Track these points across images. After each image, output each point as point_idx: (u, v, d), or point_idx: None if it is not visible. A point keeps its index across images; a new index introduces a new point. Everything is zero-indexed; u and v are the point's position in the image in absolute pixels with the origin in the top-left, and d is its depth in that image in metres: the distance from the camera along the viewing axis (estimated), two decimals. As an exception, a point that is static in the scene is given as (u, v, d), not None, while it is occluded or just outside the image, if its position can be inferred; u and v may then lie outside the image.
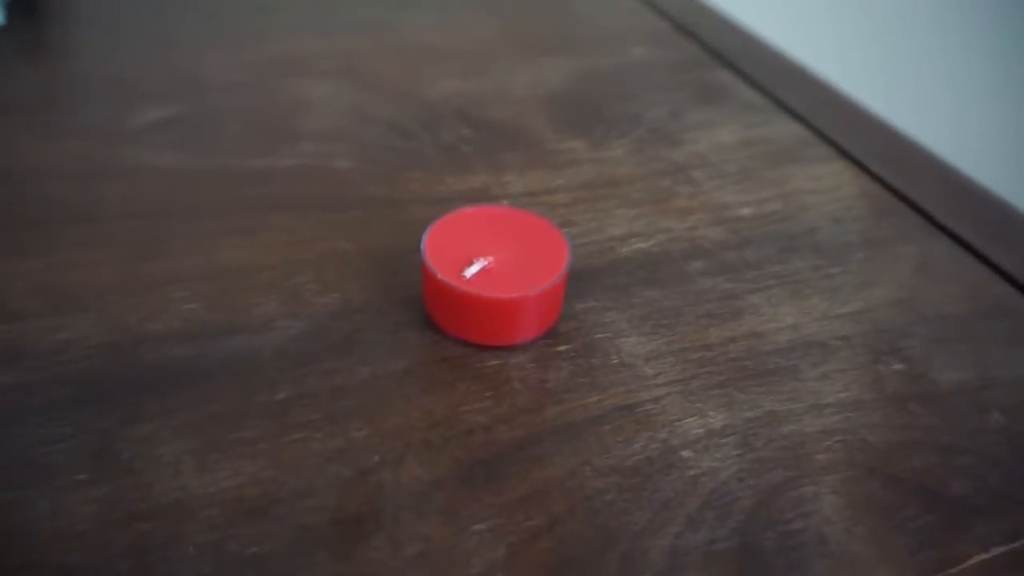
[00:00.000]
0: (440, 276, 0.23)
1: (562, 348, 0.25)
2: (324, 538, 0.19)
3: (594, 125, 0.37)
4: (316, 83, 0.37)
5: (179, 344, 0.23)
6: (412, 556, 0.19)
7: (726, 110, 0.39)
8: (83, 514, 0.19)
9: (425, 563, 0.19)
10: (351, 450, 0.21)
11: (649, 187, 0.33)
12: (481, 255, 0.24)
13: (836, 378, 0.25)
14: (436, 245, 0.24)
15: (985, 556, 0.20)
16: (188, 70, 0.37)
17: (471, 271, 0.24)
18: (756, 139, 0.37)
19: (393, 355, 0.24)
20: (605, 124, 0.37)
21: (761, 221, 0.31)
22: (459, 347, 0.24)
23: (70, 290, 0.25)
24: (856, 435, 0.23)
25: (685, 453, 0.22)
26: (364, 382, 0.23)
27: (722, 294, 0.27)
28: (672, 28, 0.47)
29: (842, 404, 0.24)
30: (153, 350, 0.23)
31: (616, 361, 0.24)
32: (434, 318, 0.25)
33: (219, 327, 0.24)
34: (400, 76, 0.39)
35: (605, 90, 0.40)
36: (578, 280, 0.27)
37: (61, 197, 0.29)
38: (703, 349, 0.25)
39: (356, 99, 0.37)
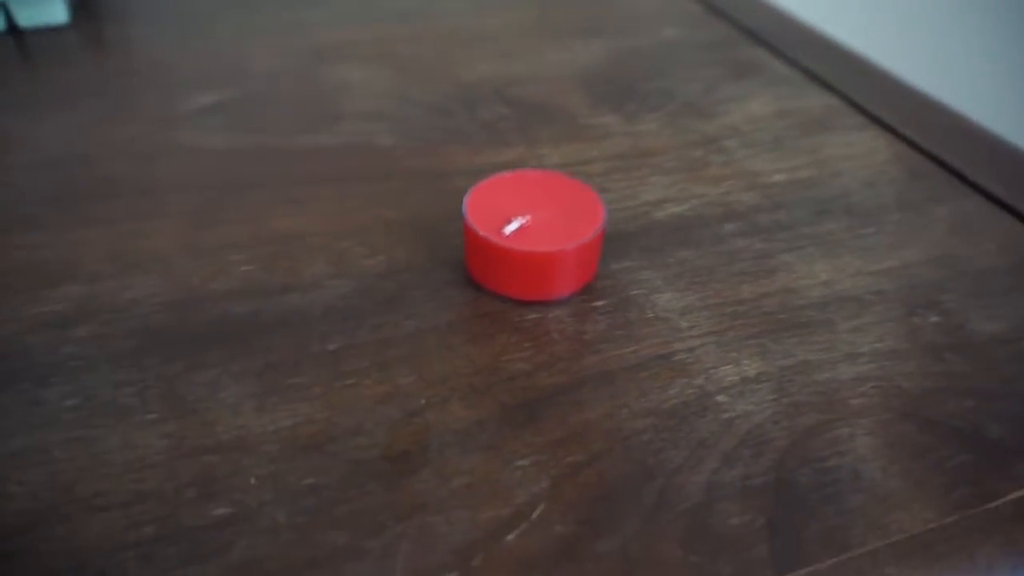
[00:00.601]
0: (481, 232, 0.24)
1: (599, 303, 0.26)
2: (375, 471, 0.20)
3: (627, 100, 0.37)
4: (356, 68, 0.39)
5: (237, 301, 0.25)
6: (458, 487, 0.20)
7: (758, 84, 0.39)
8: (154, 447, 0.20)
9: (471, 493, 0.20)
10: (398, 395, 0.22)
11: (682, 156, 0.33)
12: (520, 215, 0.25)
13: (870, 330, 0.25)
14: (477, 206, 0.25)
15: (1023, 492, 0.20)
16: (234, 59, 0.39)
17: (510, 228, 0.25)
18: (789, 110, 0.37)
19: (437, 310, 0.25)
20: (638, 99, 0.38)
21: (794, 186, 0.32)
22: (499, 302, 0.25)
23: (136, 255, 0.27)
24: (891, 382, 0.23)
25: (720, 398, 0.22)
26: (410, 335, 0.24)
27: (755, 253, 0.28)
28: (704, 10, 0.48)
29: (876, 353, 0.24)
30: (213, 307, 0.25)
31: (651, 315, 0.25)
32: (475, 275, 0.26)
33: (274, 287, 0.26)
34: (437, 60, 0.40)
35: (637, 69, 0.40)
36: (613, 242, 0.28)
37: (124, 174, 0.31)
38: (736, 304, 0.26)
39: (395, 82, 0.38)
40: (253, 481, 0.20)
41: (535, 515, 0.19)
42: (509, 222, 0.25)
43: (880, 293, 0.26)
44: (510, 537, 0.19)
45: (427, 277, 0.26)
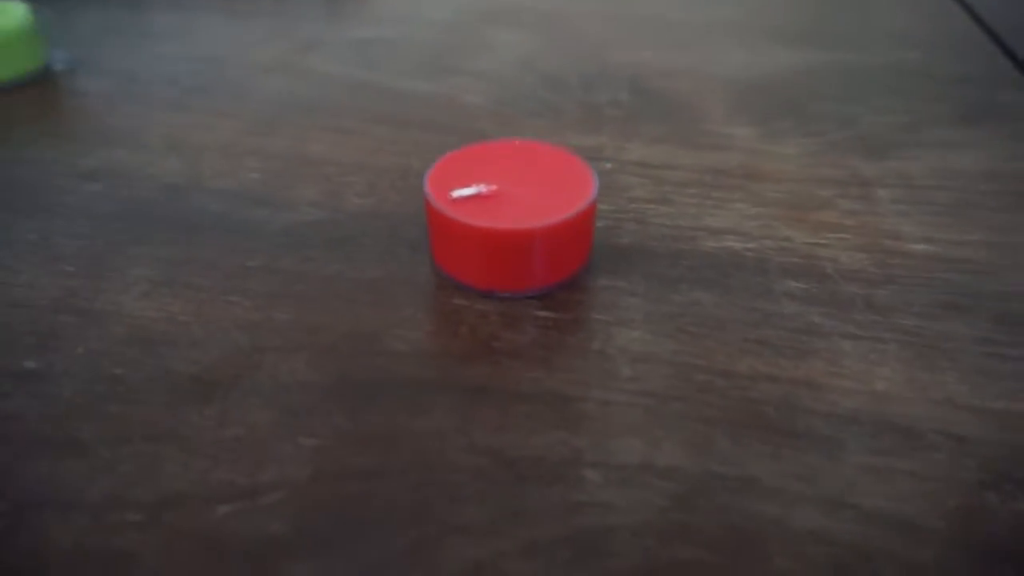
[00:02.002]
0: (435, 202, 0.20)
1: (543, 313, 0.20)
2: (172, 385, 0.18)
3: (781, 118, 0.30)
4: (510, 31, 0.37)
5: (220, 200, 0.25)
6: (225, 437, 0.17)
7: (992, 135, 0.28)
8: (38, 288, 0.21)
9: (227, 449, 0.17)
10: (262, 327, 0.20)
11: (799, 191, 0.25)
12: (487, 183, 0.21)
13: (897, 481, 0.16)
14: (446, 173, 0.22)
15: None
16: (410, 5, 0.40)
17: (461, 193, 0.21)
18: (1012, 173, 0.26)
19: (370, 265, 0.22)
20: (798, 119, 0.30)
21: (936, 265, 0.22)
22: (437, 278, 0.22)
23: (184, 142, 0.28)
24: (868, 563, 0.14)
25: (591, 474, 0.16)
26: (327, 278, 0.22)
27: (801, 326, 0.20)
28: (985, 38, 0.36)
29: (877, 515, 0.15)
30: (199, 198, 0.25)
31: (596, 348, 0.19)
32: (432, 247, 0.22)
33: (257, 197, 0.25)
34: (598, 38, 0.36)
35: (832, 88, 0.32)
36: (625, 257, 0.22)
37: (239, 81, 0.33)
38: (720, 375, 0.18)
39: (535, 51, 0.35)
40: (80, 350, 0.19)
41: (266, 500, 0.16)
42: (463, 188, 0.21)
43: (959, 439, 0.17)
44: (222, 508, 0.16)
45: (394, 232, 0.23)
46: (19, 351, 0.19)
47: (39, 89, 0.32)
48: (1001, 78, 0.33)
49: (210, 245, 0.23)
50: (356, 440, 0.17)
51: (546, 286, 0.21)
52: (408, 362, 0.19)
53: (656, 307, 0.20)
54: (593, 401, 0.18)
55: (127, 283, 0.21)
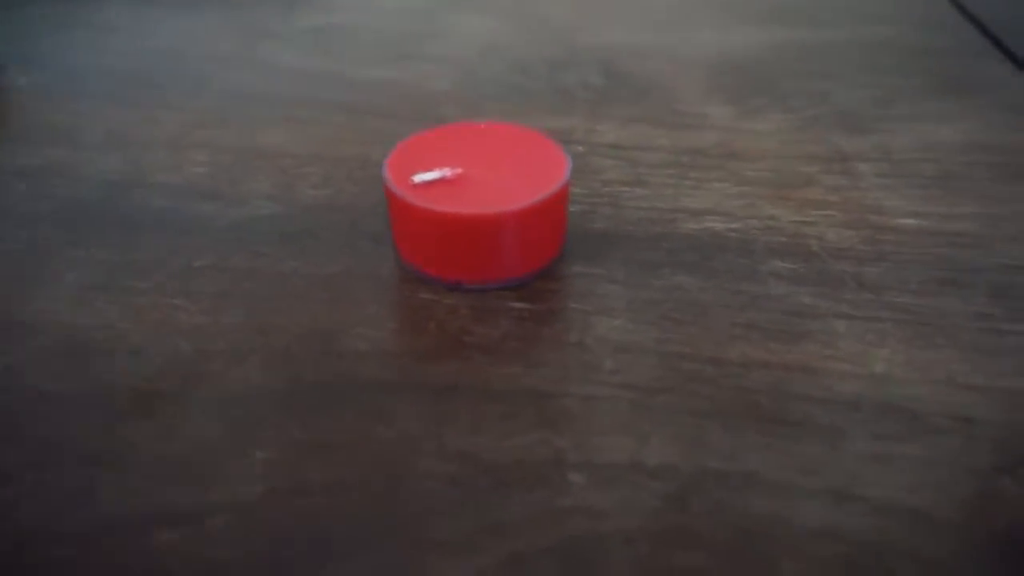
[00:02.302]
0: (395, 188, 0.19)
1: (519, 305, 0.19)
2: (113, 394, 0.16)
3: (757, 96, 0.29)
4: (477, 18, 0.35)
5: (163, 196, 0.23)
6: (171, 451, 0.15)
7: (970, 106, 0.27)
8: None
9: (177, 463, 0.15)
10: (208, 331, 0.18)
11: (781, 168, 0.24)
12: (451, 167, 0.19)
13: (906, 469, 0.15)
14: (405, 157, 0.20)
15: None
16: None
17: (423, 177, 0.19)
18: (992, 144, 0.25)
19: (328, 260, 0.20)
20: (774, 96, 0.28)
21: (926, 239, 0.21)
22: (401, 272, 0.20)
23: (131, 139, 0.26)
24: (881, 559, 0.13)
25: (575, 476, 0.15)
26: (282, 275, 0.20)
27: (791, 307, 0.19)
28: (958, 12, 0.35)
29: (888, 507, 0.14)
30: (141, 195, 0.23)
31: (575, 340, 0.18)
32: (395, 239, 0.21)
33: (204, 192, 0.23)
34: (566, 22, 0.35)
35: (805, 65, 0.31)
36: (600, 242, 0.21)
37: (189, 74, 0.31)
38: (708, 363, 0.17)
39: (500, 35, 0.34)
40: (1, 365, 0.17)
41: (213, 522, 0.14)
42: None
43: (966, 421, 0.16)
44: (164, 535, 0.14)
45: (353, 225, 0.22)
46: (-66, 368, 0.17)
47: (-34, 87, 0.30)
48: (970, 49, 0.32)
49: (152, 245, 0.21)
50: (313, 451, 0.15)
51: (519, 276, 0.19)
52: (370, 362, 0.17)
53: (637, 294, 0.19)
54: (574, 397, 0.16)
55: (59, 289, 0.19)
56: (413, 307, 0.19)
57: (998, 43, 0.32)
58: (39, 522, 0.14)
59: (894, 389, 0.16)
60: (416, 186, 0.19)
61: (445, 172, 0.19)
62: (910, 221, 0.22)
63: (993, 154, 0.25)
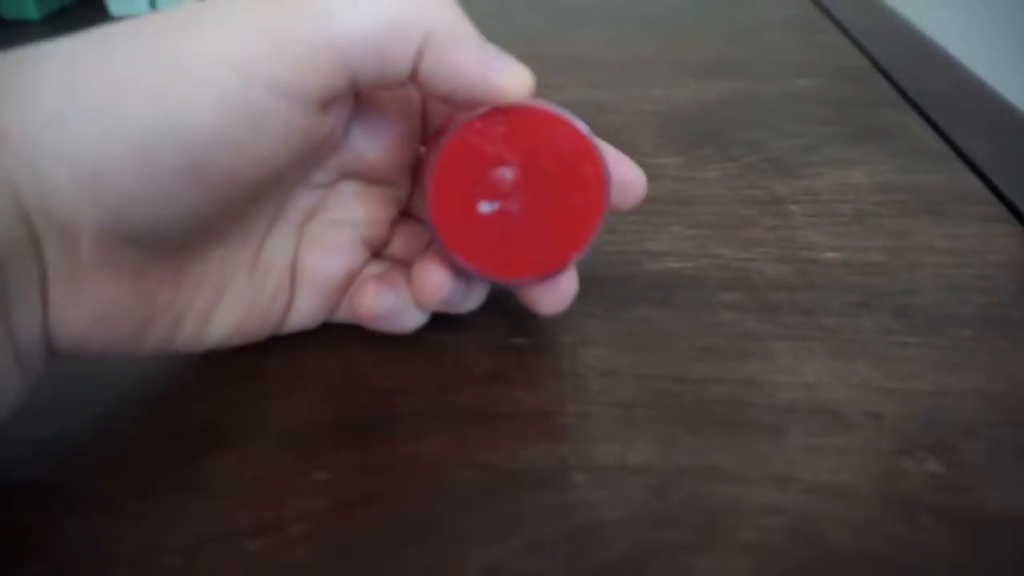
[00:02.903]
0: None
1: (517, 340, 0.23)
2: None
3: (703, 146, 0.33)
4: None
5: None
6: (239, 478, 0.19)
7: (881, 152, 0.33)
8: None
9: (241, 485, 0.18)
10: (259, 375, 0.22)
11: (725, 213, 0.29)
12: (502, 185, 0.19)
13: (831, 456, 0.19)
14: (462, 152, 0.19)
15: None
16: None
17: (488, 208, 0.20)
18: (898, 185, 0.30)
19: (355, 308, 0.24)
20: (717, 147, 0.33)
21: (844, 269, 0.26)
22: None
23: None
24: (814, 525, 0.17)
25: (578, 477, 0.19)
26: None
27: (739, 332, 0.23)
28: (868, 65, 0.41)
29: (819, 487, 0.18)
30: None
31: (567, 367, 0.22)
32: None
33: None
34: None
35: (741, 116, 0.36)
36: (579, 283, 0.25)
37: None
38: (674, 381, 0.21)
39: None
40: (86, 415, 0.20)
41: (296, 531, 0.17)
42: (490, 197, 0.19)
43: (877, 417, 0.20)
44: (251, 543, 0.17)
45: (369, 275, 0.25)
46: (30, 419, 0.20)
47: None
48: (884, 101, 0.37)
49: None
50: (365, 469, 0.19)
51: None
52: (399, 397, 0.21)
53: (614, 326, 0.23)
54: (571, 414, 0.20)
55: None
56: (429, 346, 0.22)
57: (903, 94, 0.38)
58: (147, 540, 0.17)
59: (821, 395, 0.21)
60: (468, 219, 0.19)
61: (498, 205, 0.20)
62: (831, 254, 0.26)
63: (899, 193, 0.30)
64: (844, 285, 0.25)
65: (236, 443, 0.19)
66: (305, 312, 0.22)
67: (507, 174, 0.19)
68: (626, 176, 0.21)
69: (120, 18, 0.42)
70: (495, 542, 0.17)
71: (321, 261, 0.21)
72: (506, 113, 0.19)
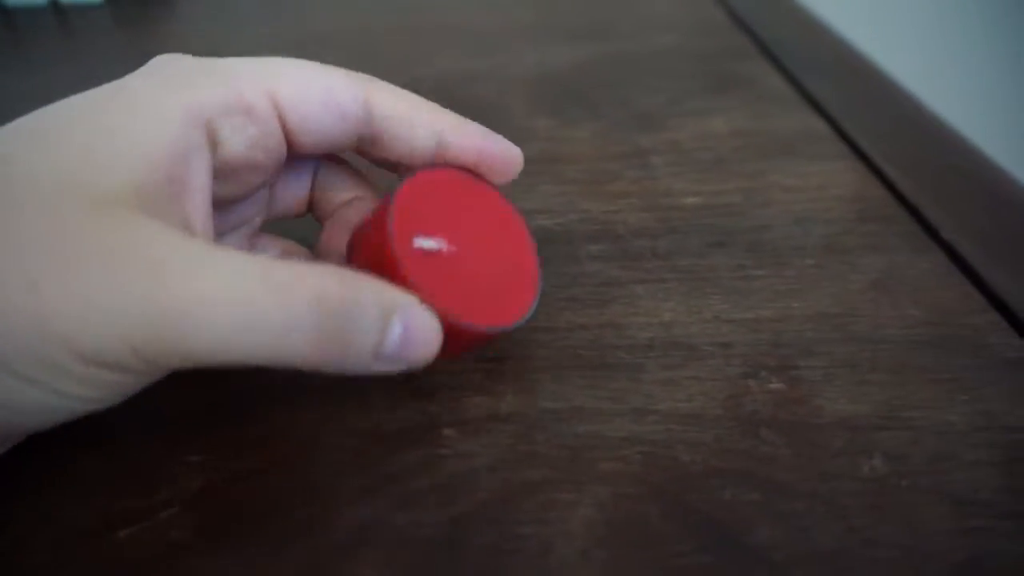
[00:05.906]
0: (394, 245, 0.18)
1: (390, 309, 0.23)
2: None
3: (573, 106, 0.34)
4: (318, 55, 0.39)
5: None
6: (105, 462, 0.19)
7: (738, 100, 0.34)
8: None
9: (116, 472, 0.18)
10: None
11: (592, 168, 0.30)
12: (443, 234, 0.19)
13: (684, 386, 0.20)
14: (411, 204, 0.19)
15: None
16: (219, 33, 0.41)
17: (424, 244, 0.19)
18: (754, 130, 0.32)
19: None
20: (586, 106, 0.34)
21: (703, 212, 0.27)
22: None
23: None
24: (669, 450, 0.19)
25: (448, 431, 0.19)
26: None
27: (603, 280, 0.24)
28: (727, 19, 0.43)
29: (672, 414, 0.20)
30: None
31: (439, 329, 0.22)
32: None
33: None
34: (402, 54, 0.39)
35: (610, 75, 0.37)
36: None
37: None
38: (542, 331, 0.22)
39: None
40: None
41: (164, 514, 0.17)
42: (428, 237, 0.19)
43: (725, 346, 0.22)
44: (123, 532, 0.17)
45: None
46: None
47: None
48: (741, 52, 0.39)
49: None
50: (258, 442, 0.19)
51: None
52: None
53: (485, 286, 0.24)
54: (442, 373, 0.21)
55: None
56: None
57: (760, 45, 0.40)
58: (16, 538, 0.17)
59: (677, 331, 0.22)
60: (415, 255, 0.18)
61: (443, 244, 0.19)
62: (691, 199, 0.28)
63: (754, 138, 0.32)
64: (702, 227, 0.26)
65: (106, 437, 0.19)
66: None
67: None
68: (499, 151, 0.21)
69: (15, 8, 0.39)
70: (368, 500, 0.18)
71: None
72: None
